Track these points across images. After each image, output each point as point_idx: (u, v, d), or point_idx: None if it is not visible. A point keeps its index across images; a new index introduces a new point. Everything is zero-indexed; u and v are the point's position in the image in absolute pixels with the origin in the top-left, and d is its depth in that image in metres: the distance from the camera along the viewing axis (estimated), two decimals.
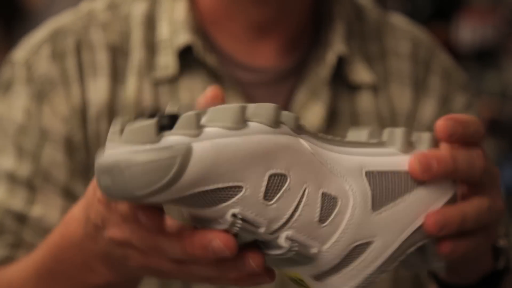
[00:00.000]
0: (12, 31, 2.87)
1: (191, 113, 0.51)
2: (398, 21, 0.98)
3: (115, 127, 0.51)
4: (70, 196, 0.86)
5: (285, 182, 0.54)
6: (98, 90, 0.87)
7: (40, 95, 0.88)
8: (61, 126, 0.87)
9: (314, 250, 0.55)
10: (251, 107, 0.54)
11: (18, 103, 0.89)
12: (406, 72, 0.93)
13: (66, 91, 0.88)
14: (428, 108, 0.93)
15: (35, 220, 0.85)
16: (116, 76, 0.88)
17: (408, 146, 0.59)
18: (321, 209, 0.55)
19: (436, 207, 0.59)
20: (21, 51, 0.92)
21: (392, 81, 0.93)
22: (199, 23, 0.89)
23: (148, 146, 0.48)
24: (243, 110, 0.53)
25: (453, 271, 0.69)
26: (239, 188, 0.52)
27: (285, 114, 0.55)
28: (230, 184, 0.52)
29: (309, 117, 0.88)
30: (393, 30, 0.96)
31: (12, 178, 0.86)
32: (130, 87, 0.88)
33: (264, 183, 0.53)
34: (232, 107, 0.52)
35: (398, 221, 0.58)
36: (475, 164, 0.61)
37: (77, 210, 0.65)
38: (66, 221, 0.69)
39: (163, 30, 0.89)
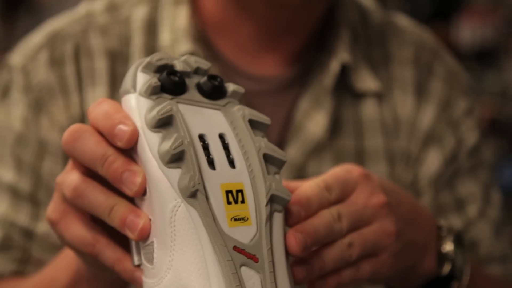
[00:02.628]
0: (19, 25, 2.87)
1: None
2: (403, 23, 0.96)
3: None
4: None
5: None
6: (96, 100, 0.83)
7: (38, 104, 0.86)
8: (60, 137, 0.82)
9: None
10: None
11: (16, 112, 0.87)
12: (409, 78, 0.91)
13: (65, 100, 0.86)
14: (428, 114, 0.91)
15: (42, 236, 0.84)
16: (115, 83, 0.86)
17: None
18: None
19: None
20: (18, 56, 0.89)
21: (395, 87, 0.91)
22: (201, 31, 0.87)
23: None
24: None
25: (392, 284, 0.69)
26: None
27: None
28: None
29: (311, 126, 0.87)
30: (397, 33, 0.94)
31: (14, 192, 0.85)
32: None
33: None
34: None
35: None
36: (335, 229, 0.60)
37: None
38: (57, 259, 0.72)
39: (165, 37, 0.87)
